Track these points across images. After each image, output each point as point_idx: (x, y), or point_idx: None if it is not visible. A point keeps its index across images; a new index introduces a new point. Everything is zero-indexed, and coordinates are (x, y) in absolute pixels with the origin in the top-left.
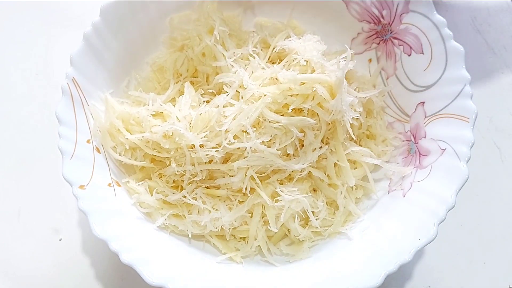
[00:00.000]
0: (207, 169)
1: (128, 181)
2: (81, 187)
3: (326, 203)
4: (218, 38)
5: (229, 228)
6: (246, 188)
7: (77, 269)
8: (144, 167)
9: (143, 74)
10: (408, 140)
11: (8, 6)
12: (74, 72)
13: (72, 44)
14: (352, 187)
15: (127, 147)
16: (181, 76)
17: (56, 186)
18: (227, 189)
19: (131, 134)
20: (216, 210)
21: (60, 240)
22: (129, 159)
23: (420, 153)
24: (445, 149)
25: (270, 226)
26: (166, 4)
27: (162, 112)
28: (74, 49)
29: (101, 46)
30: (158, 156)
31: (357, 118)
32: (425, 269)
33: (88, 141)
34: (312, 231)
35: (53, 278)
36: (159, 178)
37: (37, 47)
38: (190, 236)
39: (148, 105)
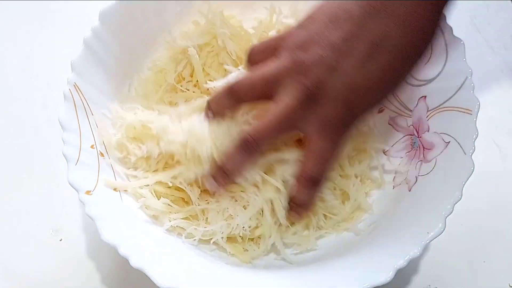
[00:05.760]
0: None
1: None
2: (87, 192)
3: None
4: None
5: (245, 229)
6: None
7: (78, 269)
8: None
9: (143, 76)
10: (411, 135)
11: (8, 6)
12: (75, 77)
13: (72, 44)
14: (362, 180)
15: (133, 160)
16: (183, 80)
17: (56, 186)
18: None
19: (142, 142)
20: (231, 216)
21: (60, 240)
22: (140, 171)
23: (424, 147)
24: (449, 142)
25: (277, 220)
26: (165, 4)
27: None
28: (74, 54)
29: (101, 50)
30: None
31: None
32: (425, 269)
33: (92, 146)
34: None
35: (54, 278)
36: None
37: (37, 48)
38: (197, 241)
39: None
